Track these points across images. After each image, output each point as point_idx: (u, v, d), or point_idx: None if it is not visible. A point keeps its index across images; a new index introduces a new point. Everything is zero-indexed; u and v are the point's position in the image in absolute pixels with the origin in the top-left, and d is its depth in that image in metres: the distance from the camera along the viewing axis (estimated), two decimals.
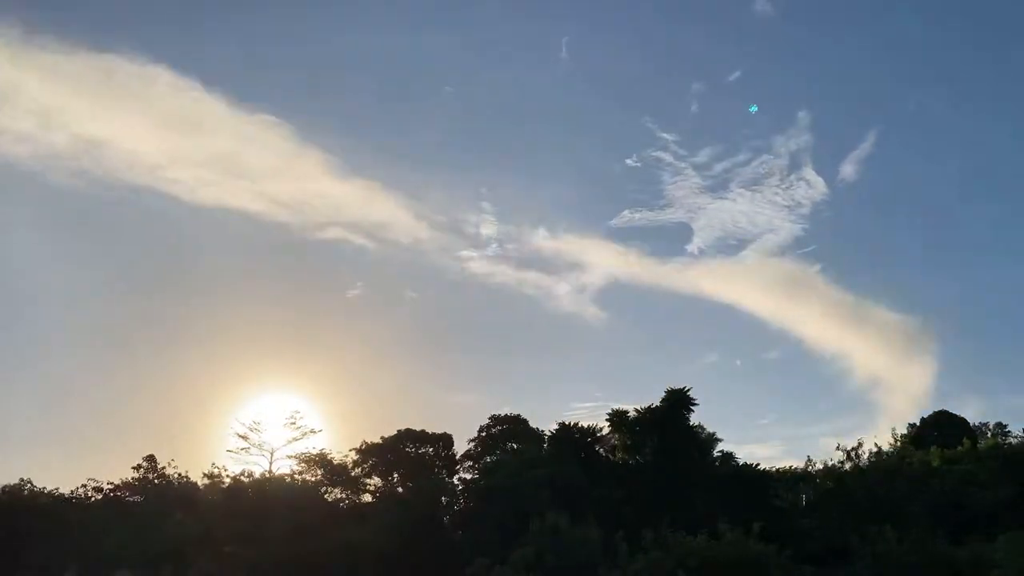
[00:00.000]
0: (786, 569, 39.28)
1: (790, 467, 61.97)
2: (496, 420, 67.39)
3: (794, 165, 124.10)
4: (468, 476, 64.43)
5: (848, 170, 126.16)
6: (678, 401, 58.35)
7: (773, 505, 54.37)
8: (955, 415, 70.77)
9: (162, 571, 49.15)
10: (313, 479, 61.85)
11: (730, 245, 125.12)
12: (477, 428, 67.46)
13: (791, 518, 52.57)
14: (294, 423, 63.21)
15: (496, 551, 42.65)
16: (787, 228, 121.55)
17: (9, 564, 51.98)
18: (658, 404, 58.52)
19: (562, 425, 60.83)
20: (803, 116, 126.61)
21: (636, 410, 58.90)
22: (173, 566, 49.14)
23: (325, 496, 61.02)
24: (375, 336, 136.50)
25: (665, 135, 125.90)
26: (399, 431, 64.68)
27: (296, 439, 62.86)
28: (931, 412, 71.74)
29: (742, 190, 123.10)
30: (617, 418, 59.46)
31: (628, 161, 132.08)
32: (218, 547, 49.53)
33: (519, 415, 68.07)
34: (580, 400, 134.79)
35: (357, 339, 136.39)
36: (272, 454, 62.32)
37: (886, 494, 51.15)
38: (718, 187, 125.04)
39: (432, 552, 49.93)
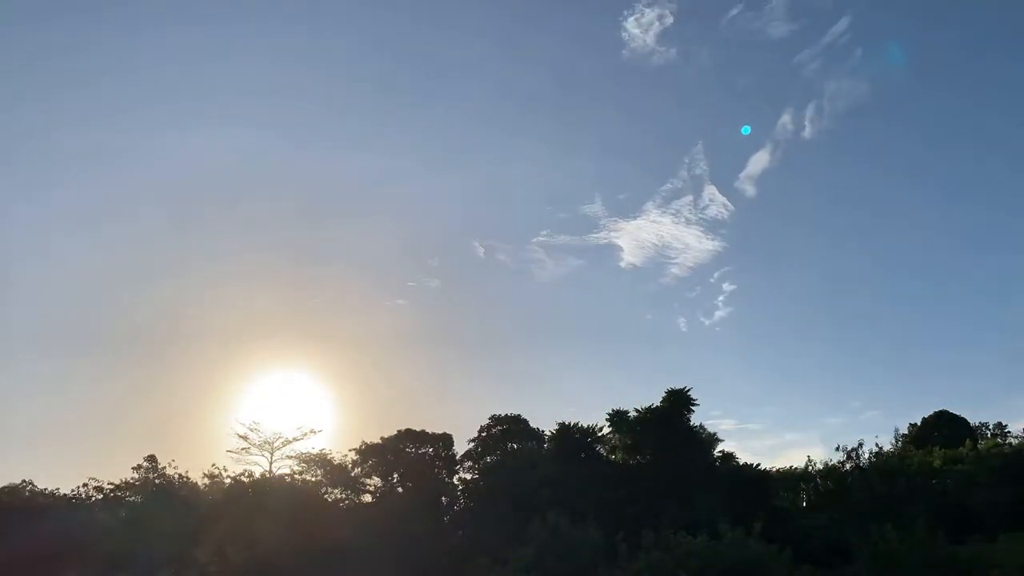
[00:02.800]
0: (787, 569, 39.20)
1: (791, 467, 62.02)
2: (496, 420, 67.39)
3: (699, 186, 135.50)
4: (468, 476, 64.45)
5: (749, 188, 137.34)
6: (678, 401, 58.31)
7: (774, 505, 54.34)
8: (956, 415, 70.66)
9: (162, 571, 49.06)
10: (313, 479, 61.81)
11: (659, 262, 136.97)
12: (477, 428, 67.60)
13: (792, 518, 52.51)
14: (296, 427, 63.29)
15: (496, 551, 42.57)
16: (707, 245, 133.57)
17: (8, 565, 51.88)
18: (658, 404, 58.51)
19: (562, 425, 60.76)
20: (699, 143, 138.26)
21: (636, 410, 58.88)
22: (174, 566, 49.05)
23: (325, 496, 60.95)
24: (372, 334, 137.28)
25: (579, 159, 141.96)
26: (399, 431, 64.62)
27: (296, 439, 62.90)
28: (932, 412, 71.67)
29: (659, 211, 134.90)
30: (617, 418, 59.40)
31: (550, 183, 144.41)
32: (219, 547, 49.45)
33: (519, 415, 68.17)
34: (580, 399, 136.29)
35: (356, 337, 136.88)
36: (272, 454, 62.33)
37: (887, 494, 51.12)
38: (635, 209, 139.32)
39: (432, 552, 49.87)
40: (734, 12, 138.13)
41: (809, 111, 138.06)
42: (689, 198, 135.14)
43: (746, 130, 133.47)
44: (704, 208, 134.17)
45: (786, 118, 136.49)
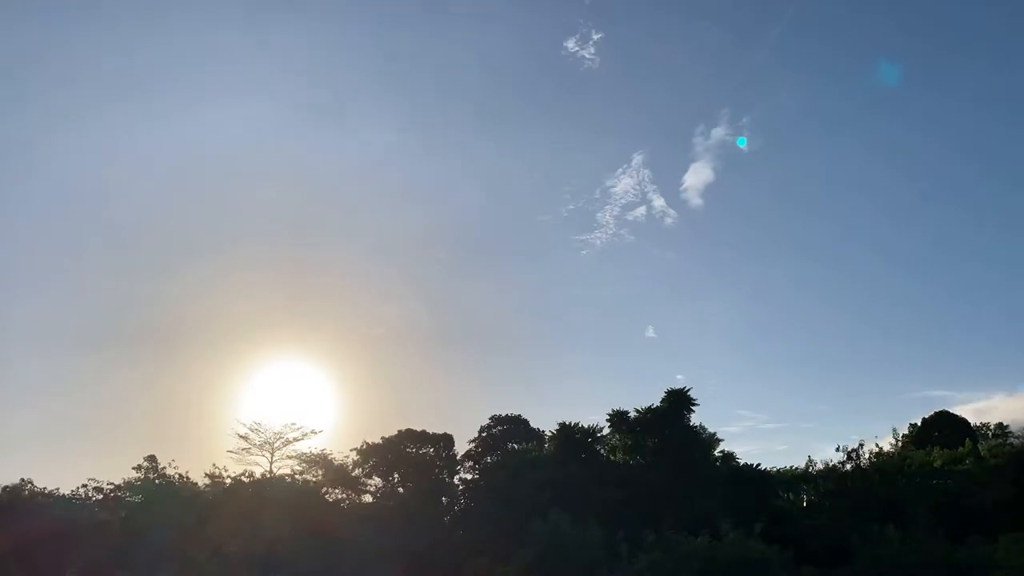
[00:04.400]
0: (787, 569, 39.25)
1: (791, 467, 61.95)
2: (497, 420, 67.41)
3: (646, 198, 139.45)
4: (469, 476, 64.42)
5: (695, 200, 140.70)
6: (679, 401, 58.21)
7: (774, 505, 54.29)
8: (956, 415, 70.55)
9: (163, 571, 49.05)
10: (314, 479, 61.75)
11: (620, 274, 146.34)
12: (478, 428, 67.59)
13: (792, 518, 52.47)
14: (294, 423, 63.20)
15: (496, 551, 42.62)
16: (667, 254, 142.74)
17: (9, 565, 51.84)
18: (659, 404, 58.43)
19: (563, 425, 60.65)
20: (636, 157, 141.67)
21: (637, 410, 58.79)
22: (174, 566, 49.04)
23: (326, 496, 60.89)
24: (373, 334, 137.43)
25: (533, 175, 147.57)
26: (400, 431, 64.57)
27: (297, 439, 62.81)
28: (932, 412, 71.59)
29: (617, 223, 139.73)
30: (617, 418, 59.32)
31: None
32: (219, 547, 49.45)
33: (519, 415, 68.17)
34: (581, 400, 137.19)
35: (356, 337, 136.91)
36: (272, 454, 62.26)
37: (887, 494, 51.14)
38: (590, 224, 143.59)
39: (432, 552, 49.85)
40: (669, 29, 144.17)
41: (746, 121, 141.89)
42: (643, 209, 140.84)
43: (742, 142, 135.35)
44: (659, 219, 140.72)
45: (720, 130, 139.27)
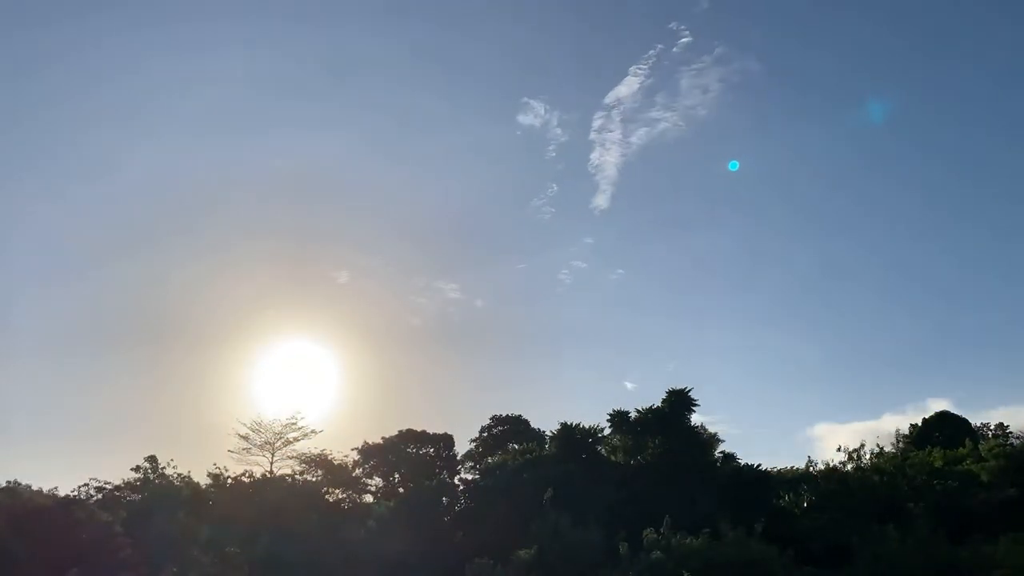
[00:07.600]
0: (787, 570, 39.22)
1: (791, 467, 61.90)
2: (497, 420, 67.52)
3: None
4: (469, 476, 64.46)
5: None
6: (679, 401, 58.25)
7: (775, 506, 54.25)
8: (957, 416, 70.56)
9: (163, 572, 49.02)
10: (314, 479, 61.80)
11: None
12: (478, 428, 67.68)
13: (793, 518, 52.45)
14: (295, 423, 63.22)
15: (496, 551, 42.57)
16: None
17: (8, 565, 51.79)
18: (659, 404, 58.44)
19: (563, 425, 60.68)
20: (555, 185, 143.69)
21: (637, 411, 58.82)
22: (174, 566, 49.01)
23: (326, 497, 60.94)
24: (373, 335, 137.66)
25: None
26: (400, 431, 64.74)
27: (297, 439, 62.86)
28: (933, 413, 71.59)
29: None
30: (618, 419, 59.33)
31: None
32: (220, 548, 49.44)
33: (520, 415, 68.25)
34: (582, 400, 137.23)
35: (356, 338, 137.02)
36: (273, 454, 62.34)
37: (888, 495, 51.10)
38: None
39: (432, 552, 49.82)
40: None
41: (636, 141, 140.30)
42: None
43: (734, 165, 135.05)
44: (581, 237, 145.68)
45: (610, 158, 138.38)
